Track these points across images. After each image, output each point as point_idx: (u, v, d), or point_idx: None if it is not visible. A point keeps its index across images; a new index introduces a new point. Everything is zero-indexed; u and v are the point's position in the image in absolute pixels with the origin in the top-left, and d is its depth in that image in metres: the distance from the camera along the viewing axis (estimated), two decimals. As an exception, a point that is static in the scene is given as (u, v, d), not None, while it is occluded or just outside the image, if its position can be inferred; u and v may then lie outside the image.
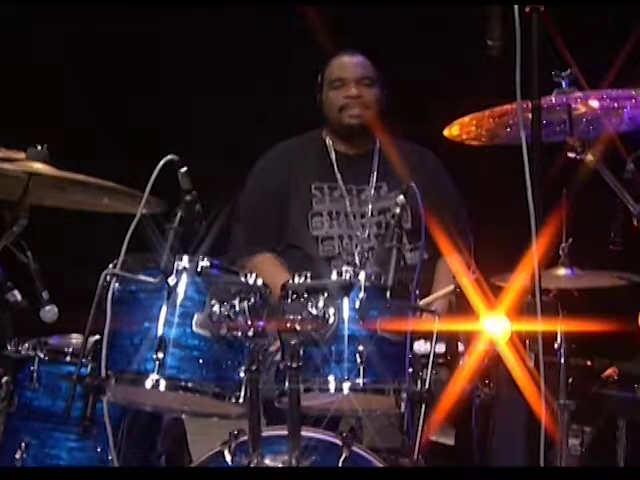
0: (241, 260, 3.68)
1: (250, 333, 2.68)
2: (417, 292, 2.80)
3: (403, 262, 3.65)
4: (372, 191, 3.86)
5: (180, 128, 5.12)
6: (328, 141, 3.93)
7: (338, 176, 3.87)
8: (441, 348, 3.00)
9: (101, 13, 4.82)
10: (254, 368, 2.68)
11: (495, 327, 3.01)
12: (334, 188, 3.86)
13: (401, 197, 2.90)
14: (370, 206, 3.84)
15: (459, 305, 3.12)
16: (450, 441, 3.46)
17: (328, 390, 2.71)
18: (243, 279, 2.73)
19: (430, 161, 3.94)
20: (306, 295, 2.74)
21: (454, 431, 3.44)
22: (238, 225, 3.82)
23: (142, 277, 2.69)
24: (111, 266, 2.71)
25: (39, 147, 3.20)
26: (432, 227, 3.31)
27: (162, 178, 2.76)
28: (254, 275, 2.75)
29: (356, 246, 3.79)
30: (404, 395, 2.73)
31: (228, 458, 2.76)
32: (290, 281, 2.78)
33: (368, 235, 3.81)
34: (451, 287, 3.19)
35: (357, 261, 3.77)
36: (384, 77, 3.91)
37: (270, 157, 3.94)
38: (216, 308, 2.66)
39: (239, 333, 2.67)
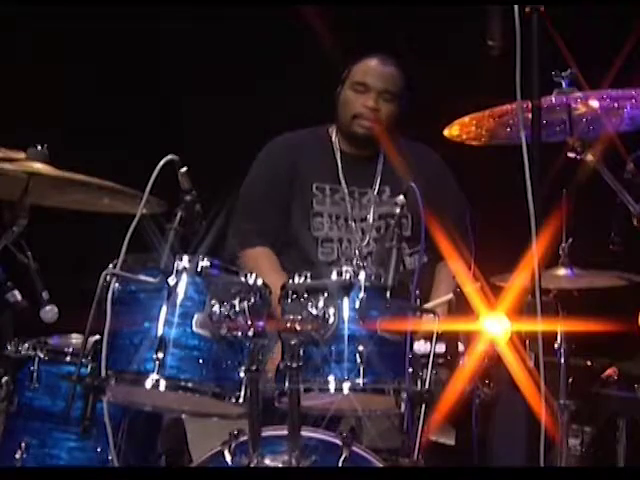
0: (241, 250, 3.67)
1: (250, 333, 2.68)
2: (417, 292, 2.80)
3: (403, 267, 3.65)
4: (374, 195, 3.82)
5: (180, 128, 5.12)
6: (334, 139, 3.89)
7: (342, 178, 3.83)
8: (441, 348, 3.00)
9: (101, 13, 4.81)
10: (254, 368, 2.68)
11: (495, 327, 3.01)
12: (336, 191, 3.81)
13: (401, 197, 2.90)
14: (371, 210, 3.81)
15: (459, 305, 3.12)
16: (450, 441, 3.46)
17: (328, 390, 2.70)
18: (243, 279, 2.73)
19: (433, 162, 3.90)
20: (306, 295, 2.74)
21: (455, 431, 3.44)
22: (238, 215, 3.77)
23: (142, 277, 2.69)
24: (111, 266, 2.71)
25: (39, 147, 3.20)
26: (433, 229, 3.30)
27: (162, 178, 2.76)
28: (254, 275, 2.75)
29: (355, 250, 3.77)
30: (404, 395, 2.73)
31: (228, 458, 2.76)
32: (290, 281, 2.78)
33: (368, 240, 3.77)
34: (450, 295, 3.18)
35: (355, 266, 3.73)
36: (411, 91, 3.85)
37: (275, 148, 3.90)
38: (216, 308, 2.66)
39: (239, 333, 2.67)
